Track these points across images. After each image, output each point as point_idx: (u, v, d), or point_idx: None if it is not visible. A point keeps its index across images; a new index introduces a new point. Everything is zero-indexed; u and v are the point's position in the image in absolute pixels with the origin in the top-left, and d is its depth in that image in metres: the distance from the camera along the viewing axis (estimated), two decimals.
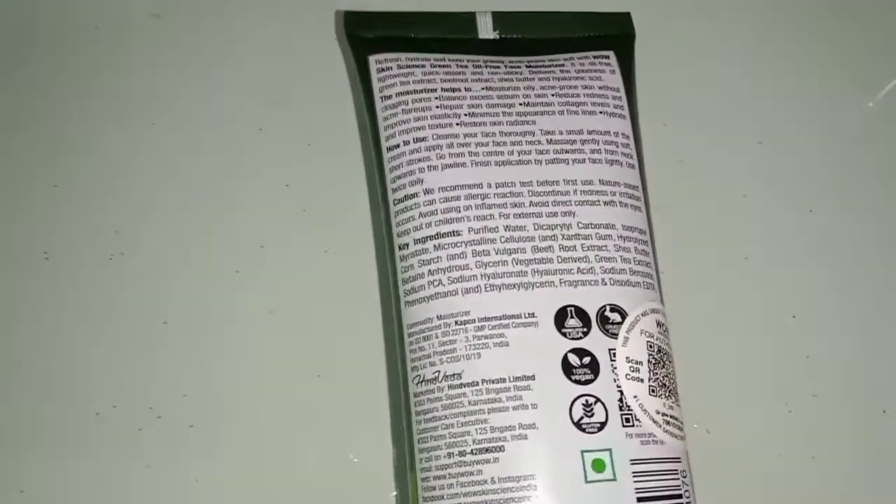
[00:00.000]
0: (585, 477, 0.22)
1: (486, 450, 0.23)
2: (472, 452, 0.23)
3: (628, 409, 0.23)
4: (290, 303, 0.29)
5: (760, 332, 0.30)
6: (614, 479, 0.22)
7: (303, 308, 0.29)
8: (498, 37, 0.29)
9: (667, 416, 0.24)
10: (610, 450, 0.23)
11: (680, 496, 0.23)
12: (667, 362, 0.25)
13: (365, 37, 0.28)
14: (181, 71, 0.31)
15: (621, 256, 0.25)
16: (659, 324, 0.25)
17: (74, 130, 0.30)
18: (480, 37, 0.29)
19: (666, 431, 0.24)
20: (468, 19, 0.29)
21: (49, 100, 0.31)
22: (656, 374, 0.24)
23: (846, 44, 0.34)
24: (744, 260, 0.31)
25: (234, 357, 0.28)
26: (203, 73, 0.31)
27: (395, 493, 0.27)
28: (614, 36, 0.29)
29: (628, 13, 0.30)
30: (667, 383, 0.24)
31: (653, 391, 0.24)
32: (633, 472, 0.23)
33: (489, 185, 0.25)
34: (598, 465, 0.22)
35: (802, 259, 0.31)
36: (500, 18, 0.29)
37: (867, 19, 0.34)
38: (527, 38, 0.29)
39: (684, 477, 0.24)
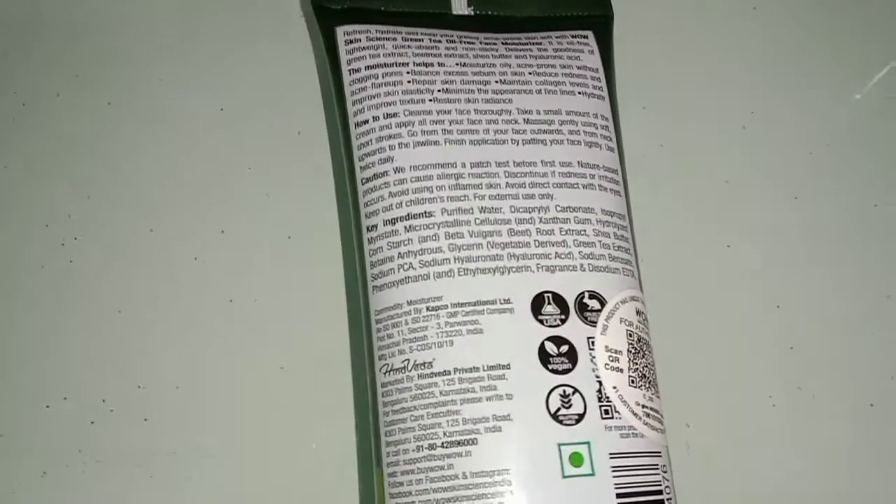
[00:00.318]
0: (563, 471, 0.21)
1: (458, 443, 0.21)
2: (442, 445, 0.21)
3: (607, 401, 0.22)
4: (250, 291, 0.27)
5: (743, 323, 0.29)
6: (593, 474, 0.21)
7: (264, 296, 0.27)
8: (472, 13, 0.28)
9: (647, 408, 0.23)
10: (588, 443, 0.21)
11: (660, 492, 0.22)
12: (647, 352, 0.24)
13: (332, 8, 0.27)
14: (140, 49, 0.29)
15: (600, 241, 0.24)
16: (638, 312, 0.24)
17: (26, 109, 0.29)
18: (454, 12, 0.27)
19: (646, 424, 0.22)
20: None
21: (1, 78, 0.29)
22: (636, 364, 0.23)
23: (834, 30, 0.33)
24: (726, 248, 0.30)
25: (192, 348, 0.27)
26: (163, 52, 0.29)
27: (359, 490, 0.25)
28: (593, 16, 0.28)
29: None
30: (647, 374, 0.23)
31: (633, 382, 0.23)
32: (613, 467, 0.21)
33: (463, 165, 0.24)
34: (576, 459, 0.21)
35: (787, 247, 0.30)
36: None
37: (856, 6, 0.33)
38: (502, 16, 0.28)
39: (665, 472, 0.23)
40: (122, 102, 0.29)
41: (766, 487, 0.27)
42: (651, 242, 0.29)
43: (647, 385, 0.23)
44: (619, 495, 0.21)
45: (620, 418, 0.22)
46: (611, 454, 0.22)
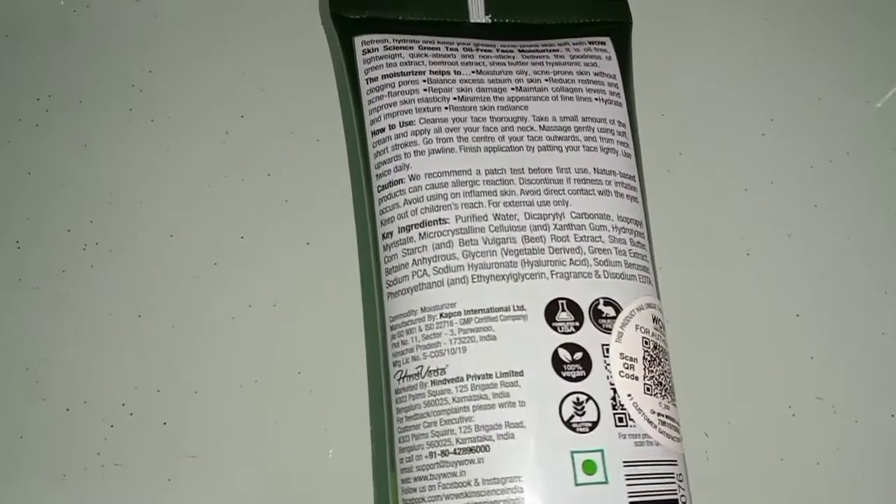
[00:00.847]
0: (575, 479, 0.21)
1: (470, 449, 0.21)
2: (455, 452, 0.21)
3: (622, 408, 0.22)
4: (269, 296, 0.28)
5: (762, 332, 0.29)
6: (606, 482, 0.21)
7: (283, 302, 0.28)
8: (490, 21, 0.28)
9: (662, 416, 0.23)
10: (602, 451, 0.21)
11: (676, 501, 0.22)
12: (663, 360, 0.23)
13: (351, 18, 0.27)
14: (163, 57, 0.30)
15: (616, 248, 0.24)
16: (655, 319, 0.24)
17: (49, 116, 0.29)
18: (472, 20, 0.28)
19: (661, 433, 0.22)
20: (459, 2, 0.28)
21: (26, 83, 0.29)
22: (652, 371, 0.23)
23: (853, 37, 0.33)
24: (745, 256, 0.30)
25: (211, 353, 0.27)
26: (186, 60, 0.30)
27: (374, 495, 0.25)
28: (611, 23, 0.28)
29: (626, 0, 0.29)
30: (663, 382, 0.23)
31: (648, 390, 0.23)
32: (626, 475, 0.21)
33: (478, 172, 0.24)
34: (589, 467, 0.21)
35: (806, 255, 0.30)
36: (492, 2, 0.28)
37: (874, 13, 0.33)
38: (520, 23, 0.28)
39: (681, 481, 0.22)
40: (144, 109, 0.29)
41: (784, 498, 0.27)
42: (670, 250, 0.29)
43: (664, 393, 0.23)
44: (633, 503, 0.21)
45: (635, 426, 0.22)
46: (625, 462, 0.21)
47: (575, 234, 0.24)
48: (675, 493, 0.22)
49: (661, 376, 0.23)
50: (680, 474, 0.22)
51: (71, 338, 0.27)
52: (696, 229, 0.30)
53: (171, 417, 0.26)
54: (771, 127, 0.31)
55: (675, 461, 0.22)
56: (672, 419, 0.23)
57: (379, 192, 0.25)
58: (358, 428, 0.26)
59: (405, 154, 0.24)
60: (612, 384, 0.22)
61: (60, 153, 0.29)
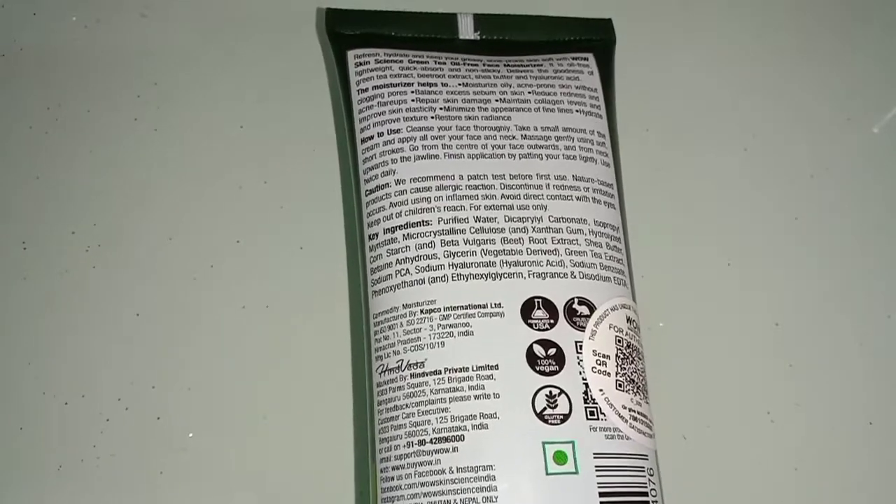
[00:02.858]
0: (546, 469, 0.22)
1: (446, 439, 0.22)
2: (431, 441, 0.22)
3: (593, 402, 0.23)
4: (263, 298, 0.29)
5: (742, 339, 0.29)
6: (576, 472, 0.22)
7: (276, 304, 0.29)
8: (479, 38, 0.29)
9: (634, 411, 0.23)
10: (573, 442, 0.22)
11: (645, 494, 0.23)
12: (636, 358, 0.24)
13: (345, 33, 0.28)
14: (168, 70, 0.31)
15: (592, 251, 0.25)
16: (629, 319, 0.25)
17: (58, 125, 0.31)
18: (461, 37, 0.29)
19: (632, 427, 0.23)
20: (449, 20, 0.29)
21: (38, 93, 0.31)
22: (624, 369, 0.24)
23: (835, 53, 0.34)
24: (726, 266, 0.30)
25: (205, 351, 0.28)
26: (189, 74, 0.31)
27: (354, 486, 0.26)
28: (595, 40, 0.29)
29: (610, 19, 0.30)
30: (635, 379, 0.24)
31: (620, 386, 0.23)
32: (597, 466, 0.22)
33: (461, 177, 0.25)
34: (560, 458, 0.22)
35: (786, 265, 0.30)
36: (481, 20, 0.29)
37: (854, 29, 0.34)
38: (508, 41, 0.29)
39: (651, 475, 0.23)
40: (148, 119, 0.31)
41: (761, 503, 0.27)
42: (653, 260, 0.29)
43: (636, 390, 0.24)
44: (601, 494, 0.22)
45: (606, 420, 0.23)
46: (595, 454, 0.22)
47: (552, 237, 0.25)
48: (645, 487, 0.23)
49: (634, 374, 0.24)
50: (651, 469, 0.23)
51: (71, 335, 0.28)
52: (678, 239, 0.30)
53: (164, 412, 0.27)
54: (753, 142, 0.32)
55: (646, 455, 0.23)
56: (644, 415, 0.24)
57: (366, 195, 0.26)
58: (346, 423, 0.27)
59: (392, 160, 0.26)
60: (584, 379, 0.23)
61: (67, 159, 0.30)
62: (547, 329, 0.23)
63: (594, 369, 0.23)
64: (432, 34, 0.29)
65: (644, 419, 0.24)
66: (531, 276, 0.24)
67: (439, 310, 0.23)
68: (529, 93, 0.27)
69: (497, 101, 0.27)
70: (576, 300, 0.24)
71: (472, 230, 0.24)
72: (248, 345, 0.28)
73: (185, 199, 0.30)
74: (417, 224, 0.25)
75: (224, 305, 0.29)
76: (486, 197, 0.25)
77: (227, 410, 0.27)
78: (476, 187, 0.25)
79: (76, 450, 0.27)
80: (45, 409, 0.27)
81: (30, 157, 0.30)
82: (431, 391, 0.23)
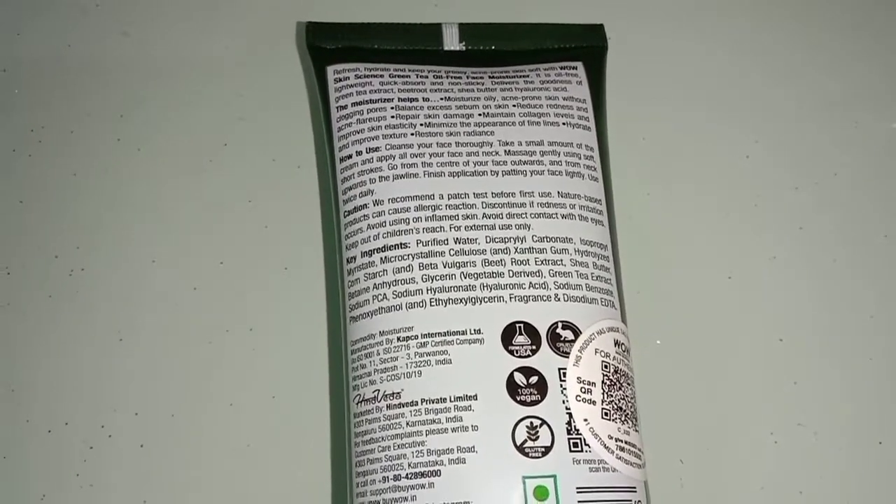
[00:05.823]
0: None
1: (422, 474, 0.21)
2: (406, 476, 0.21)
3: (577, 433, 0.22)
4: (246, 321, 0.28)
5: (745, 356, 0.28)
6: None
7: (259, 326, 0.28)
8: (464, 48, 0.28)
9: (621, 441, 0.22)
10: (554, 476, 0.21)
11: None
12: (624, 384, 0.23)
13: (326, 48, 0.28)
14: (150, 89, 0.31)
15: (577, 271, 0.24)
16: (617, 343, 0.24)
17: (41, 147, 0.30)
18: (445, 48, 0.28)
19: (619, 458, 0.22)
20: (433, 30, 0.28)
21: (21, 115, 0.31)
22: (611, 396, 0.23)
23: (838, 59, 0.32)
24: (727, 279, 0.29)
25: (188, 376, 0.27)
26: (169, 90, 0.31)
27: None
28: (586, 47, 0.28)
29: (601, 25, 0.29)
30: (623, 407, 0.23)
31: (606, 414, 0.22)
32: (580, 501, 0.21)
33: (441, 196, 0.24)
34: (541, 493, 0.21)
35: (790, 279, 0.29)
36: (467, 30, 0.28)
37: (860, 34, 0.32)
38: (494, 51, 0.28)
39: None
40: (131, 139, 0.30)
41: None
42: (649, 275, 0.28)
43: (623, 418, 0.23)
44: None
45: (591, 451, 0.22)
46: (578, 488, 0.21)
47: (536, 258, 0.24)
48: None
49: (622, 401, 0.23)
50: (639, 501, 0.22)
51: (54, 361, 0.28)
52: (675, 252, 0.29)
53: (148, 440, 0.27)
54: (756, 149, 0.31)
55: (634, 488, 0.22)
56: (632, 445, 0.23)
57: (345, 217, 0.25)
58: (328, 452, 0.26)
59: (370, 180, 0.25)
60: (567, 408, 0.22)
61: (51, 182, 0.30)
62: (528, 356, 0.22)
63: (578, 397, 0.22)
64: (416, 46, 0.28)
65: (632, 449, 0.23)
66: (513, 299, 0.23)
67: (416, 336, 0.23)
68: (514, 106, 0.26)
69: (480, 115, 0.26)
70: (559, 324, 0.23)
71: (452, 252, 0.24)
72: (232, 370, 0.27)
73: (169, 219, 0.29)
74: (395, 247, 0.24)
75: (207, 329, 0.28)
76: (467, 217, 0.24)
77: (211, 438, 0.27)
78: (457, 206, 0.24)
79: (59, 478, 0.26)
80: (28, 437, 0.27)
81: (13, 181, 0.30)
82: (408, 423, 0.22)
